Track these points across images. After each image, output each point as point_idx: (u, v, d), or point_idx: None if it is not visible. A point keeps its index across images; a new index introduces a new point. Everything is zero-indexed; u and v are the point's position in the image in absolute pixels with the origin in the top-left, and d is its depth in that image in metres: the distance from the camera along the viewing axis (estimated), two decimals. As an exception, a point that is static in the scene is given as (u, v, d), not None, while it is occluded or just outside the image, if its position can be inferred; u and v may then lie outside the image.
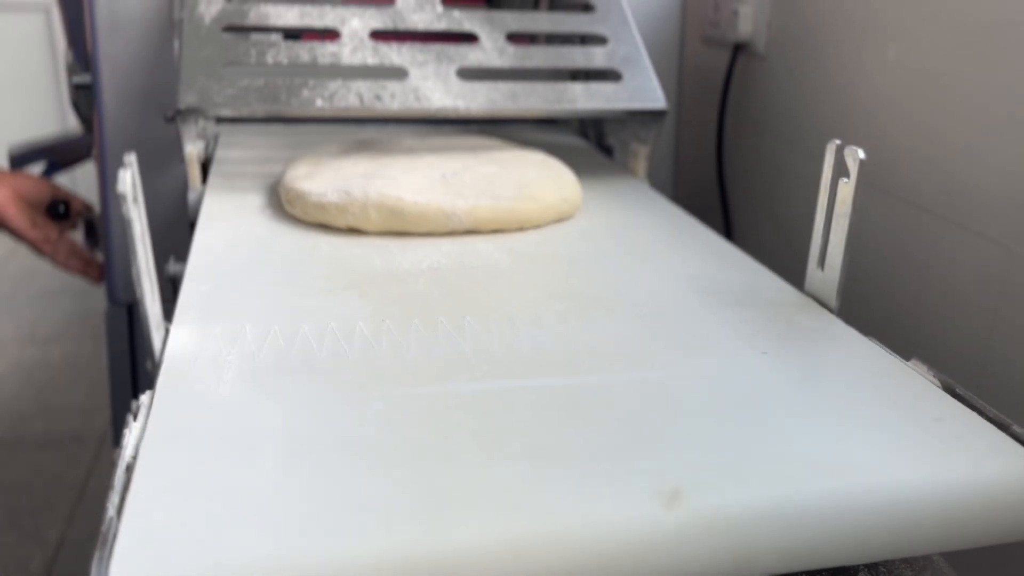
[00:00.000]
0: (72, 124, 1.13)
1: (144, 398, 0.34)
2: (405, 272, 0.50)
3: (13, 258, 2.11)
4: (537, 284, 0.49)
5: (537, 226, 0.59)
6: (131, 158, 0.37)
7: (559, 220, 0.61)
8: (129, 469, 0.30)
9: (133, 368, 0.82)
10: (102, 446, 1.40)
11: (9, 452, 1.37)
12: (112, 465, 0.30)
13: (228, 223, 0.57)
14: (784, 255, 0.81)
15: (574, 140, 0.87)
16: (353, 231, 0.57)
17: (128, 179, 0.35)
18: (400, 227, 0.56)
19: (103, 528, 0.26)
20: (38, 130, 1.33)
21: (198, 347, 0.39)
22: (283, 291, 0.46)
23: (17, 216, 0.80)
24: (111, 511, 0.27)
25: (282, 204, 0.60)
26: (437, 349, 0.40)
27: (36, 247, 0.83)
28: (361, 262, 0.51)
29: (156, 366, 0.38)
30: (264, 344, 0.40)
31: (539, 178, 0.61)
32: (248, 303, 0.44)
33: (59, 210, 0.85)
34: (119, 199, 0.35)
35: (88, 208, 0.89)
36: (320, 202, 0.56)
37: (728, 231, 0.92)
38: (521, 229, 0.59)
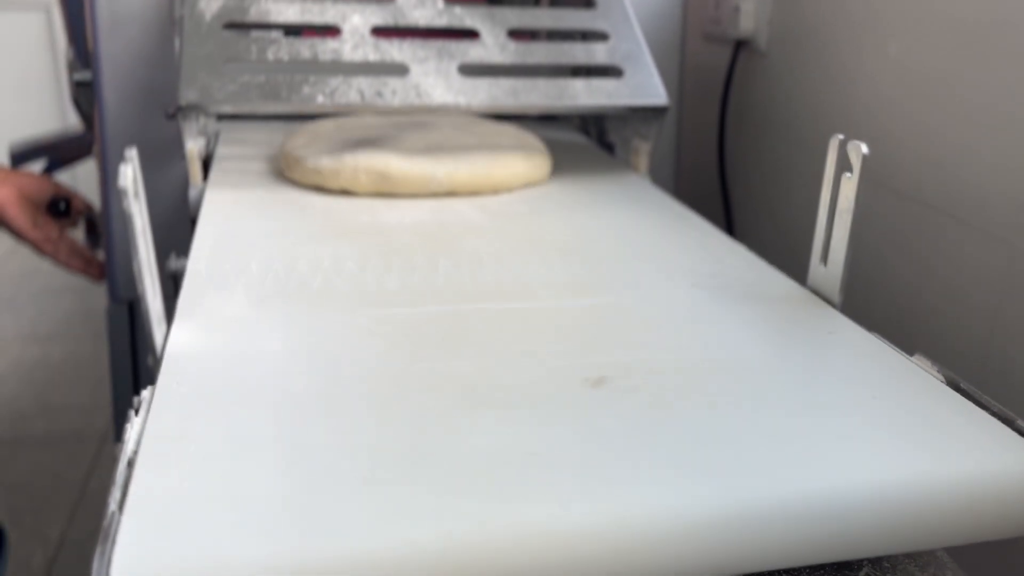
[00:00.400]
0: (73, 122, 1.13)
1: (146, 393, 0.34)
2: (390, 225, 0.57)
3: (14, 257, 2.11)
4: (505, 235, 0.56)
5: (509, 189, 0.67)
6: (132, 152, 0.37)
7: (528, 184, 0.68)
8: (131, 464, 0.30)
9: (134, 366, 0.82)
10: (103, 445, 1.40)
11: (10, 451, 1.37)
12: (114, 462, 0.30)
13: (232, 188, 0.63)
14: (785, 251, 0.81)
15: (576, 137, 0.87)
16: (345, 192, 0.64)
17: (129, 173, 0.35)
18: (387, 189, 0.63)
19: (105, 523, 0.26)
20: (39, 128, 1.33)
21: (209, 277, 0.46)
22: (281, 239, 0.53)
23: (19, 216, 0.80)
24: (113, 506, 0.27)
25: (281, 171, 0.67)
26: (413, 281, 0.47)
27: (37, 247, 0.83)
28: (351, 217, 0.59)
29: (157, 362, 0.38)
30: (266, 276, 0.47)
31: (512, 147, 0.69)
32: (251, 246, 0.51)
33: (60, 207, 0.85)
34: (120, 194, 0.35)
35: (89, 207, 0.89)
36: (316, 166, 0.64)
37: (729, 227, 0.92)
38: (495, 191, 0.66)
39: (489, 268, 0.49)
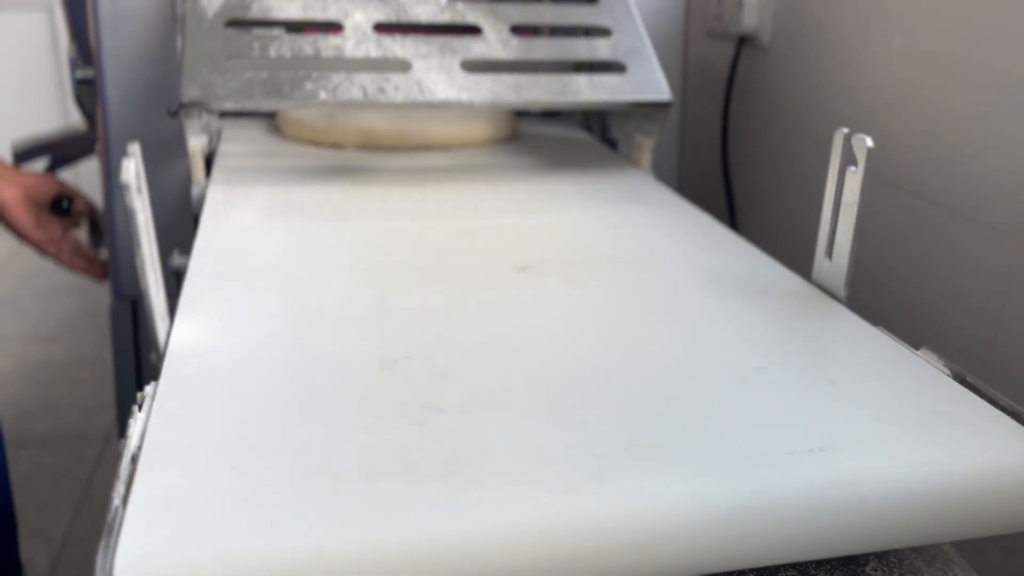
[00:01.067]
0: (75, 120, 1.13)
1: (149, 389, 0.34)
2: (372, 169, 0.69)
3: (17, 257, 2.11)
4: (468, 178, 0.67)
5: (476, 144, 0.78)
6: (134, 147, 0.37)
7: (494, 140, 0.80)
8: (134, 460, 0.29)
9: (137, 363, 0.82)
10: (107, 443, 1.40)
11: (14, 450, 1.37)
12: (117, 459, 0.30)
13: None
14: (789, 247, 0.81)
15: (578, 134, 0.87)
16: (336, 146, 0.76)
17: (131, 168, 0.35)
18: (371, 143, 0.76)
19: (108, 518, 0.26)
20: (41, 126, 1.33)
21: (228, 204, 0.57)
22: (280, 178, 0.65)
23: (23, 217, 0.80)
24: (116, 501, 0.27)
25: (280, 130, 0.80)
26: (389, 207, 0.59)
27: (40, 248, 0.83)
28: (340, 164, 0.70)
29: (160, 358, 0.38)
30: (271, 198, 0.59)
31: (480, 109, 0.78)
32: (256, 180, 0.64)
33: (63, 205, 0.85)
34: (123, 188, 0.35)
35: (92, 207, 0.89)
36: (312, 124, 0.77)
37: (733, 222, 0.92)
38: (464, 146, 0.77)
39: (449, 198, 0.62)
